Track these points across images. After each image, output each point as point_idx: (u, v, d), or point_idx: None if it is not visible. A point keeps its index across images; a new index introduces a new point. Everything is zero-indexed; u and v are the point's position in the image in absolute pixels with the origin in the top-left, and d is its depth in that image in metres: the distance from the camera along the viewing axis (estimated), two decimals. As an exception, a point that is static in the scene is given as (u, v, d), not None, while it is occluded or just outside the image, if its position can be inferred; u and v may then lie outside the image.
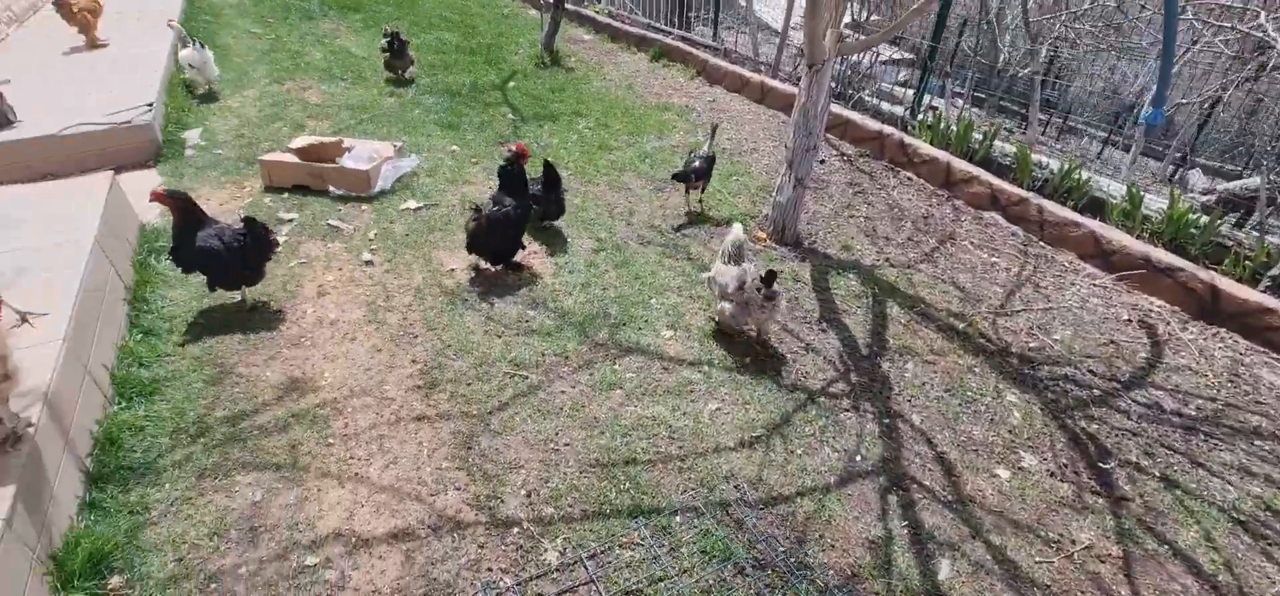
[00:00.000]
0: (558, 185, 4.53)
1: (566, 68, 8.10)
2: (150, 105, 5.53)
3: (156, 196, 3.48)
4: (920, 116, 6.46)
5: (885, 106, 6.86)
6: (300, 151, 5.07)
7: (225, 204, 4.75)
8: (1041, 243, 4.94)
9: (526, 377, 3.33)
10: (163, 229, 4.30)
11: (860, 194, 5.59)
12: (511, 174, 4.07)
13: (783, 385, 3.47)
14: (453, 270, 4.14)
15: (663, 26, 9.41)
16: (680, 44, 8.52)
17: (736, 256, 3.67)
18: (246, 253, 3.50)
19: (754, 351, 3.68)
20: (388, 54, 7.09)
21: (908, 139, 5.93)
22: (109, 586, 2.25)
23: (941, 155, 5.67)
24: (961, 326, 4.05)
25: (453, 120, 6.25)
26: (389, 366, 3.35)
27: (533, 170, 4.43)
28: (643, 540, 2.58)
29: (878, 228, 5.13)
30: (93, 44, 6.95)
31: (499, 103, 6.83)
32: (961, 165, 5.54)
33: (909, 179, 5.80)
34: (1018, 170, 5.49)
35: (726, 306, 3.58)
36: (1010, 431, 3.29)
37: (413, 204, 4.82)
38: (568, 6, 8.60)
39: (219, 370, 3.25)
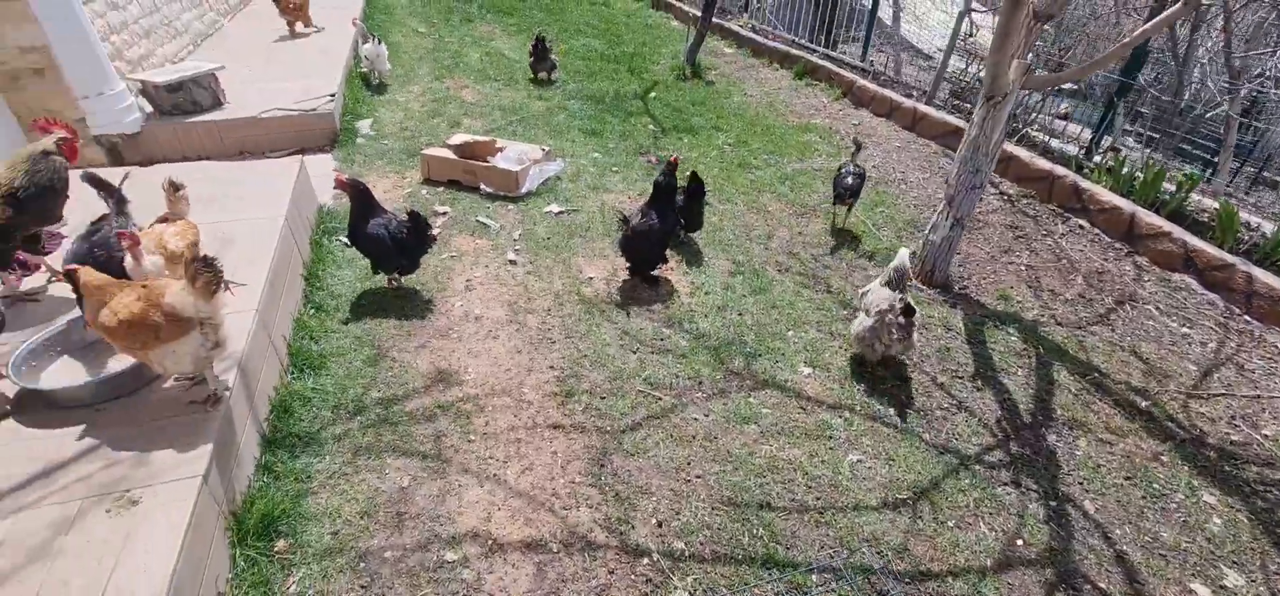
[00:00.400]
0: (701, 196, 4.46)
1: (707, 80, 8.03)
2: (333, 96, 6.03)
3: (340, 183, 3.75)
4: (1098, 158, 5.79)
5: (1053, 143, 6.22)
6: (458, 148, 5.33)
7: (388, 192, 5.07)
8: (1248, 317, 4.25)
9: (660, 399, 3.27)
10: (336, 211, 4.66)
11: (1021, 239, 5.09)
12: (664, 188, 4.04)
13: (931, 444, 3.18)
14: (590, 279, 4.16)
15: (807, 43, 9.11)
16: (825, 62, 8.20)
17: (897, 283, 3.50)
18: (407, 244, 3.70)
19: (896, 399, 3.41)
20: (532, 58, 7.47)
21: (1083, 183, 5.32)
22: (275, 549, 2.40)
23: (1124, 204, 5.03)
24: (1145, 404, 3.55)
25: (596, 127, 6.34)
26: (527, 369, 3.40)
27: (679, 178, 4.40)
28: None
29: (1042, 279, 4.63)
30: (295, 33, 7.80)
31: (640, 112, 6.86)
32: (1149, 217, 4.89)
33: (1081, 227, 5.20)
34: (1219, 229, 4.77)
35: (863, 320, 3.46)
36: (1209, 540, 2.82)
37: (555, 207, 4.92)
38: (712, 19, 8.52)
39: (376, 351, 3.44)
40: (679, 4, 11.05)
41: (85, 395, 2.43)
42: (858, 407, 3.35)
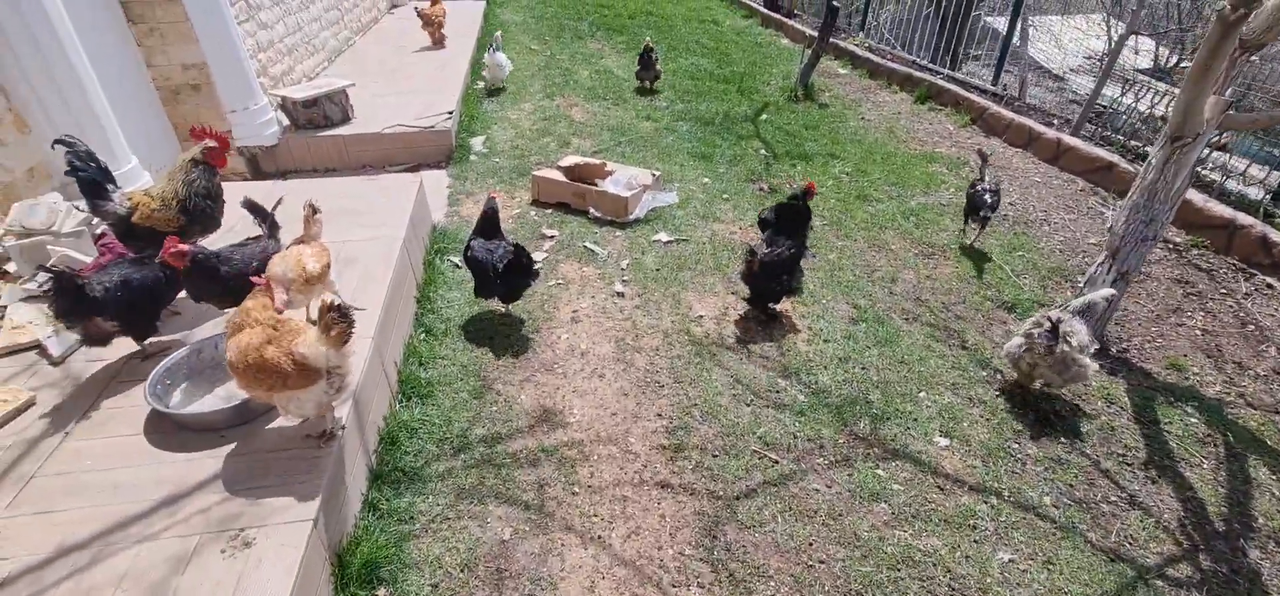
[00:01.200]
0: (806, 223, 4.14)
1: (820, 103, 7.59)
2: (450, 113, 6.11)
3: (494, 196, 3.74)
4: (1294, 205, 4.91)
5: (1232, 185, 5.35)
6: (568, 169, 5.23)
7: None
8: None
9: (777, 462, 2.95)
10: (449, 230, 4.66)
11: (1194, 297, 4.36)
12: (799, 212, 3.80)
13: (1099, 547, 2.68)
14: (701, 317, 3.90)
15: (929, 64, 8.45)
16: (951, 85, 7.55)
17: (1085, 313, 3.32)
18: (506, 274, 3.58)
19: (1053, 484, 2.91)
20: (640, 67, 7.64)
21: (1274, 234, 4.50)
22: (376, 596, 2.30)
23: (1333, 264, 4.21)
24: (1378, 521, 2.86)
25: (705, 150, 6.09)
26: (634, 416, 3.18)
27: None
28: (916, 722, 2.06)
29: (1223, 347, 3.92)
30: (436, 43, 8.39)
31: (750, 135, 6.54)
32: (1367, 282, 4.05)
33: (1270, 287, 4.40)
34: None
35: (1016, 341, 3.31)
36: None
37: (664, 236, 4.70)
38: (830, 40, 8.06)
39: (481, 383, 3.33)
40: (790, 22, 10.62)
41: (217, 421, 2.43)
42: (1006, 492, 2.89)
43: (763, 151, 6.20)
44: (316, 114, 5.79)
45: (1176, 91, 7.91)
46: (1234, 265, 4.62)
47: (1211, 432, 3.28)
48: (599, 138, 6.37)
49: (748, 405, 3.26)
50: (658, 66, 7.66)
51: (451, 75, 7.23)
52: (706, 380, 3.40)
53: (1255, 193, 5.20)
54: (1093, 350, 3.22)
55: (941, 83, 7.67)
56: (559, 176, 5.15)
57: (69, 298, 2.42)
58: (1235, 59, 3.28)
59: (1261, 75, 5.85)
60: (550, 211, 5.05)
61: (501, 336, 3.69)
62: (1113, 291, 3.40)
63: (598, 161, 5.26)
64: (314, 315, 2.57)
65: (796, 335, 3.80)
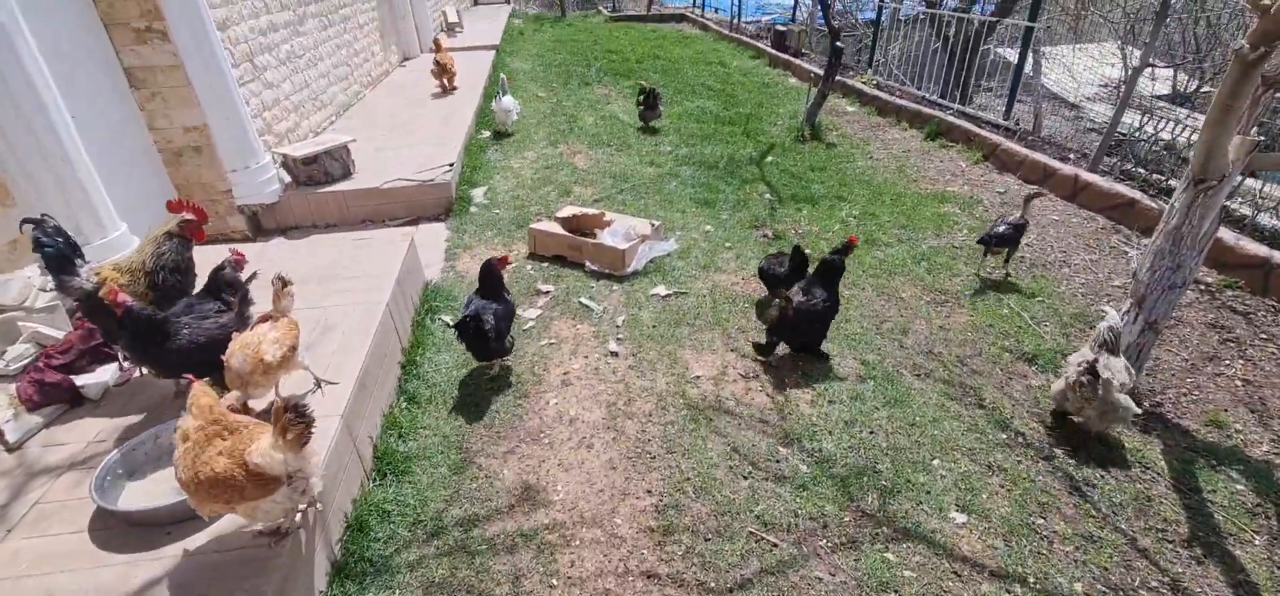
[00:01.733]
0: (803, 272, 3.98)
1: (827, 142, 7.40)
2: (451, 165, 6.03)
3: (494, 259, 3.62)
4: (1333, 241, 4.57)
5: (1265, 219, 5.01)
6: (565, 221, 5.08)
7: (495, 265, 4.89)
8: None
9: (775, 545, 2.68)
10: (443, 287, 4.51)
11: (1230, 343, 4.02)
12: (834, 267, 3.72)
13: (1141, 646, 2.36)
14: (698, 377, 3.67)
15: (939, 100, 8.25)
16: (961, 121, 7.32)
17: (1111, 345, 3.22)
18: (468, 337, 3.40)
19: (1086, 566, 2.60)
20: (642, 106, 7.76)
21: (1317, 274, 4.17)
22: (328, 714, 2.07)
23: (1385, 307, 3.85)
24: None
25: (708, 196, 5.91)
26: (623, 493, 2.94)
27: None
28: None
29: (1267, 399, 3.58)
30: (446, 90, 8.61)
31: (755, 179, 6.36)
32: None
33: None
34: None
35: (1058, 387, 3.28)
36: None
37: (662, 290, 4.50)
38: (836, 78, 7.91)
39: (463, 456, 3.13)
40: (798, 62, 10.52)
41: (160, 517, 2.25)
42: (1032, 578, 2.58)
43: (767, 195, 6.01)
44: (317, 170, 5.74)
45: (1198, 118, 7.60)
46: (1273, 307, 4.28)
47: (1261, 502, 2.94)
48: (601, 184, 6.24)
49: (745, 478, 3.00)
50: (660, 107, 7.78)
51: (456, 126, 7.19)
52: (701, 449, 3.16)
53: (1289, 226, 4.86)
54: (1132, 386, 3.11)
55: (952, 119, 7.45)
56: (556, 228, 5.01)
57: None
58: (1258, 97, 3.02)
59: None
60: (547, 264, 4.89)
61: (488, 401, 3.50)
62: (1116, 320, 3.26)
63: (595, 212, 5.11)
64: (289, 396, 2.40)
65: (800, 395, 3.55)
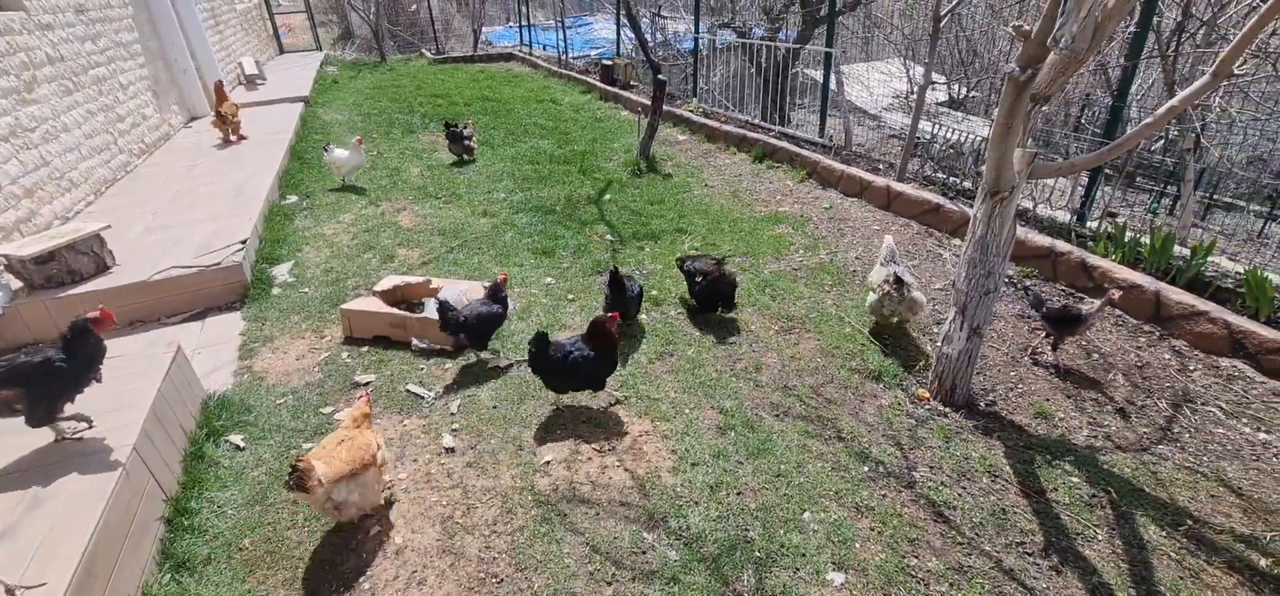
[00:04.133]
0: (623, 293, 4.00)
1: (664, 173, 7.27)
2: (243, 243, 5.03)
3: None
4: (1096, 223, 5.09)
5: (1043, 210, 5.52)
6: (385, 294, 4.36)
7: (302, 357, 4.04)
8: (1330, 411, 3.44)
9: (649, 669, 2.25)
10: (232, 399, 3.60)
11: (1038, 330, 4.27)
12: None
13: (1027, 688, 2.21)
14: (548, 463, 3.16)
15: (761, 122, 8.49)
16: (784, 143, 7.53)
17: (890, 259, 4.20)
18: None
19: (966, 613, 2.44)
20: (449, 140, 7.79)
21: (1092, 258, 4.57)
22: None
23: (1146, 281, 4.28)
24: (1264, 563, 2.65)
25: (547, 245, 5.44)
26: (464, 640, 2.35)
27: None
28: None
29: (1076, 383, 3.79)
30: (229, 141, 7.82)
31: (595, 219, 6.01)
32: (1176, 294, 4.13)
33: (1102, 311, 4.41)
34: (1252, 297, 4.02)
35: (872, 295, 4.08)
36: None
37: (502, 361, 3.94)
38: (663, 109, 7.84)
39: (253, 635, 2.36)
40: (629, 94, 10.45)
41: None
42: (916, 635, 2.37)
43: (609, 236, 5.67)
44: (57, 270, 4.49)
45: (971, 119, 8.45)
46: (1064, 291, 4.64)
47: (1095, 493, 3.01)
48: (429, 244, 5.54)
49: (608, 584, 2.54)
50: (465, 135, 7.70)
51: (252, 194, 6.11)
52: (556, 559, 2.65)
53: (1063, 216, 5.39)
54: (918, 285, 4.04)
55: (774, 140, 7.65)
56: (375, 304, 4.27)
57: None
58: (1030, 113, 3.16)
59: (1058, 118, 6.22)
60: (366, 349, 4.12)
61: (293, 543, 2.73)
62: (893, 244, 4.27)
63: (420, 280, 4.45)
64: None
65: (661, 460, 3.17)
